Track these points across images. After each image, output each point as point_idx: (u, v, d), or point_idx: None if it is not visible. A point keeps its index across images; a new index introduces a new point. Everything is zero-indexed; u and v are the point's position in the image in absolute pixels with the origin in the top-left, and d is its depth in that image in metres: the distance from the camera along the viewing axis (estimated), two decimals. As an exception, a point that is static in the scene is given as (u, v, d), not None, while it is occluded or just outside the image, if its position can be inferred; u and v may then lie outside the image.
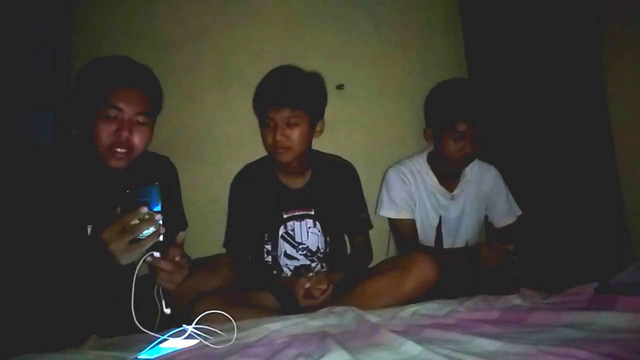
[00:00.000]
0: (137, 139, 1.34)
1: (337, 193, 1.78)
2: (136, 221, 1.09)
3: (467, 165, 1.90)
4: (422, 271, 1.46)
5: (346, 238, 1.89)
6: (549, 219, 1.99)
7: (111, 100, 1.31)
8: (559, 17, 2.07)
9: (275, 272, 1.74)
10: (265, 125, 1.65)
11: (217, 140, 2.05)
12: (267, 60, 1.90)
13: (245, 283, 1.60)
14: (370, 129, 2.19)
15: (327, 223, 1.76)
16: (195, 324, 1.07)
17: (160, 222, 1.10)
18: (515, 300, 1.28)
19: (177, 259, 1.19)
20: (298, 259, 1.74)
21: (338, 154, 1.89)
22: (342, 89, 2.12)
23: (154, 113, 1.41)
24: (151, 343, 1.01)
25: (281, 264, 1.74)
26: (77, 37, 1.94)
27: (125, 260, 1.11)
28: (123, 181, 1.24)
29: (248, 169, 1.82)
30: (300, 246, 1.74)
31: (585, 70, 2.07)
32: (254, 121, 1.79)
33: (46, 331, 1.10)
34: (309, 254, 1.74)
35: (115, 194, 1.13)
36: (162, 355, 0.98)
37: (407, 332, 1.06)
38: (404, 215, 1.88)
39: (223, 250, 1.77)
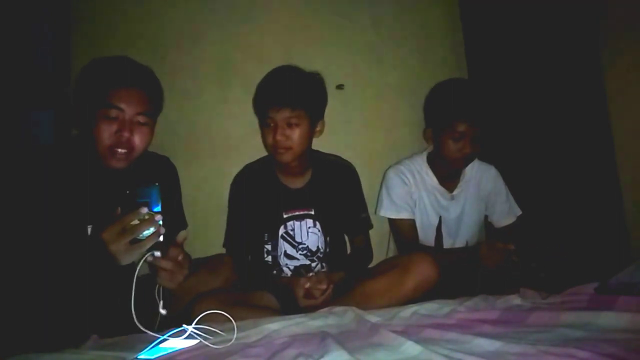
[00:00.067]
0: (137, 139, 1.34)
1: (337, 193, 1.78)
2: (136, 221, 1.09)
3: (466, 165, 1.90)
4: (422, 271, 1.46)
5: (346, 238, 1.89)
6: (549, 219, 1.99)
7: (112, 101, 1.31)
8: (558, 17, 2.07)
9: (275, 272, 1.74)
10: (266, 125, 1.65)
11: (216, 140, 2.05)
12: (267, 60, 1.90)
13: (245, 283, 1.60)
14: (370, 129, 2.19)
15: (327, 223, 1.76)
16: (195, 324, 1.07)
17: (160, 222, 1.10)
18: (515, 300, 1.28)
19: (180, 258, 1.19)
20: (298, 259, 1.74)
21: (338, 154, 1.89)
22: (342, 89, 2.12)
23: (155, 113, 1.41)
24: (151, 343, 1.01)
25: (281, 263, 1.74)
26: (77, 37, 1.94)
27: (125, 260, 1.11)
28: (123, 181, 1.24)
29: (248, 169, 1.82)
30: (300, 246, 1.74)
31: (585, 70, 2.07)
32: (253, 121, 1.79)
33: (46, 331, 1.10)
34: (309, 253, 1.74)
35: (115, 194, 1.13)
36: (162, 355, 0.99)
37: (407, 332, 1.06)
38: (404, 215, 1.88)
39: (223, 250, 1.77)
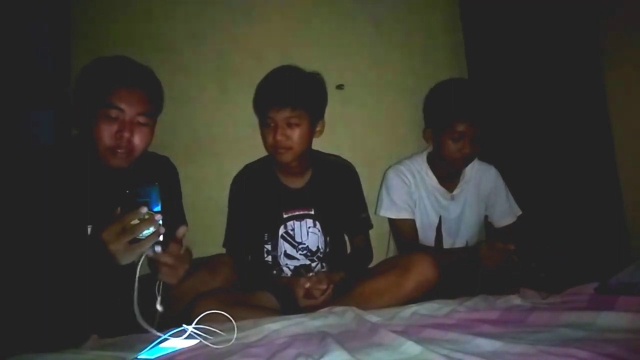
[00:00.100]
0: (137, 140, 1.34)
1: (337, 193, 1.78)
2: (136, 221, 1.09)
3: (466, 165, 1.89)
4: (422, 271, 1.46)
5: (346, 238, 1.89)
6: (549, 219, 1.99)
7: (112, 101, 1.31)
8: (558, 17, 2.07)
9: (275, 272, 1.74)
10: (266, 125, 1.65)
11: (216, 140, 2.05)
12: (267, 60, 1.90)
13: (245, 283, 1.60)
14: (370, 129, 2.19)
15: (327, 223, 1.76)
16: (196, 324, 1.06)
17: (160, 222, 1.10)
18: (515, 300, 1.28)
19: (182, 251, 1.19)
20: (298, 259, 1.74)
21: (338, 154, 1.89)
22: (342, 89, 2.12)
23: (155, 113, 1.41)
24: (151, 343, 1.01)
25: (281, 263, 1.74)
26: (77, 37, 1.94)
27: (125, 260, 1.11)
28: (123, 181, 1.24)
29: (248, 168, 1.82)
30: (300, 246, 1.74)
31: (585, 70, 2.07)
32: (253, 121, 1.79)
33: (46, 331, 1.10)
34: (308, 253, 1.74)
35: (115, 194, 1.13)
36: (162, 355, 0.98)
37: (407, 332, 1.06)
38: (404, 215, 1.88)
39: (223, 250, 1.77)
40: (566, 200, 2.00)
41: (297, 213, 1.75)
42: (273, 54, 2.02)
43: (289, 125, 1.62)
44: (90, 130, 1.32)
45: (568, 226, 1.97)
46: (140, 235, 1.09)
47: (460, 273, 1.64)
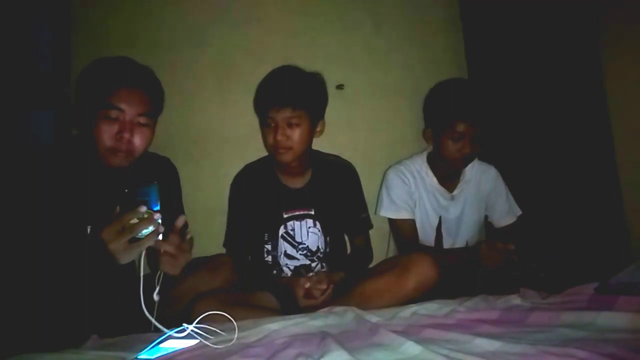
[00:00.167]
0: (138, 140, 1.34)
1: (337, 193, 1.78)
2: (135, 220, 1.09)
3: (466, 165, 1.90)
4: (422, 271, 1.46)
5: (346, 238, 1.89)
6: (549, 219, 1.99)
7: (112, 101, 1.30)
8: (558, 16, 2.07)
9: (275, 272, 1.74)
10: (266, 125, 1.65)
11: (217, 140, 2.05)
12: (267, 60, 1.90)
13: (245, 283, 1.60)
14: (370, 129, 2.19)
15: (327, 223, 1.76)
16: (196, 324, 1.06)
17: (160, 221, 1.10)
18: (515, 300, 1.28)
19: (188, 236, 1.19)
20: (298, 259, 1.74)
21: (338, 154, 1.89)
22: (342, 89, 2.12)
23: (155, 114, 1.41)
24: (151, 343, 1.01)
25: (281, 263, 1.74)
26: (77, 37, 1.94)
27: (124, 259, 1.11)
28: (123, 182, 1.24)
29: (248, 168, 1.82)
30: (300, 246, 1.74)
31: (585, 70, 2.07)
32: (254, 121, 1.78)
33: (46, 331, 1.10)
34: (309, 253, 1.74)
35: (115, 194, 1.13)
36: (162, 355, 0.98)
37: (407, 332, 1.06)
38: (404, 215, 1.88)
39: (223, 250, 1.77)
40: (566, 201, 2.00)
41: (297, 213, 1.75)
42: (273, 54, 2.01)
43: (290, 126, 1.62)
44: (90, 130, 1.32)
45: (568, 226, 1.96)
46: (140, 234, 1.09)
47: (460, 273, 1.64)
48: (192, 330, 1.04)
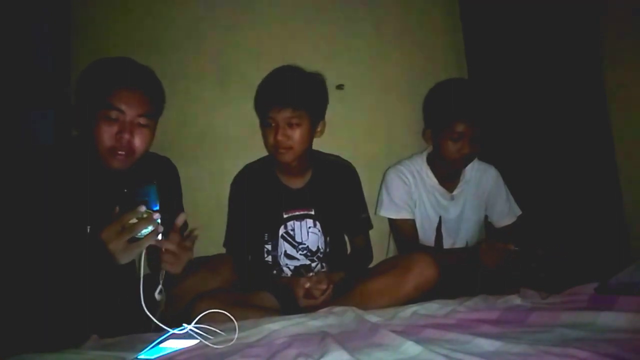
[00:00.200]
0: (138, 141, 1.33)
1: (337, 193, 1.78)
2: (135, 220, 1.09)
3: (466, 165, 1.89)
4: (422, 271, 1.46)
5: (346, 238, 1.89)
6: (549, 219, 1.99)
7: (113, 102, 1.30)
8: (559, 16, 2.07)
9: (275, 272, 1.74)
10: (267, 125, 1.65)
11: (217, 140, 2.05)
12: (267, 60, 1.90)
13: (245, 283, 1.60)
14: (370, 129, 2.19)
15: (327, 223, 1.76)
16: (195, 324, 1.06)
17: (159, 220, 1.10)
18: (515, 300, 1.28)
19: (195, 232, 1.19)
20: (298, 259, 1.74)
21: (338, 154, 1.88)
22: (342, 89, 2.12)
23: (156, 115, 1.41)
24: (151, 343, 1.01)
25: (281, 263, 1.74)
26: (77, 37, 1.94)
27: (124, 259, 1.11)
28: (123, 182, 1.24)
29: (248, 168, 1.82)
30: (300, 246, 1.74)
31: (585, 70, 2.07)
32: (254, 121, 1.78)
33: (46, 331, 1.10)
34: (309, 253, 1.74)
35: (114, 195, 1.13)
36: (162, 355, 0.98)
37: (407, 332, 1.06)
38: (404, 215, 1.88)
39: (223, 250, 1.77)
40: (566, 201, 2.00)
41: (297, 213, 1.75)
42: (273, 54, 2.01)
43: (290, 126, 1.62)
44: (90, 130, 1.32)
45: (568, 226, 1.97)
46: (139, 234, 1.09)
47: (460, 273, 1.64)
48: (192, 330, 1.04)
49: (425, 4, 2.27)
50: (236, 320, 1.10)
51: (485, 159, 1.98)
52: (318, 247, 1.75)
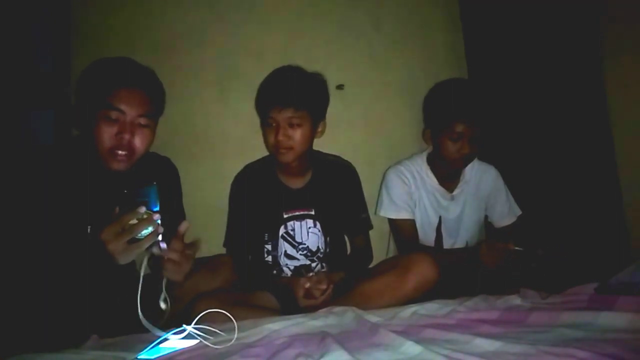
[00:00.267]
0: (138, 142, 1.33)
1: (337, 193, 1.78)
2: (135, 221, 1.09)
3: (466, 165, 1.90)
4: (422, 271, 1.46)
5: (346, 238, 1.89)
6: (549, 219, 1.99)
7: (113, 102, 1.30)
8: (558, 16, 2.07)
9: (275, 272, 1.74)
10: (268, 125, 1.65)
11: (217, 140, 2.05)
12: (267, 60, 1.90)
13: (245, 283, 1.60)
14: (370, 129, 2.19)
15: (327, 223, 1.76)
16: (195, 324, 1.06)
17: (159, 221, 1.10)
18: (515, 300, 1.28)
19: (195, 244, 1.19)
20: (298, 259, 1.74)
21: (338, 154, 1.88)
22: (342, 89, 2.12)
23: (156, 115, 1.40)
24: (151, 343, 1.01)
25: (281, 263, 1.74)
26: (77, 37, 1.94)
27: (124, 260, 1.10)
28: (123, 182, 1.24)
29: (248, 168, 1.82)
30: (301, 246, 1.74)
31: (585, 70, 2.07)
32: (253, 121, 1.78)
33: (46, 331, 1.10)
34: (309, 254, 1.74)
35: (115, 195, 1.13)
36: (162, 355, 0.98)
37: (407, 332, 1.06)
38: (404, 215, 1.88)
39: (223, 250, 1.77)
40: (566, 201, 2.00)
41: (297, 213, 1.75)
42: (273, 54, 2.01)
43: (291, 126, 1.62)
44: (90, 131, 1.32)
45: (568, 226, 1.97)
46: (139, 235, 1.09)
47: (460, 273, 1.64)
48: (191, 331, 1.04)
49: (425, 4, 2.27)
50: (236, 321, 1.10)
51: (485, 159, 1.98)
52: (318, 247, 1.75)
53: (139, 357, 0.97)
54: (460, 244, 1.92)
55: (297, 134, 1.62)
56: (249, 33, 2.08)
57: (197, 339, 1.04)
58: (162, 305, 1.14)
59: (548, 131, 2.07)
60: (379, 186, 1.98)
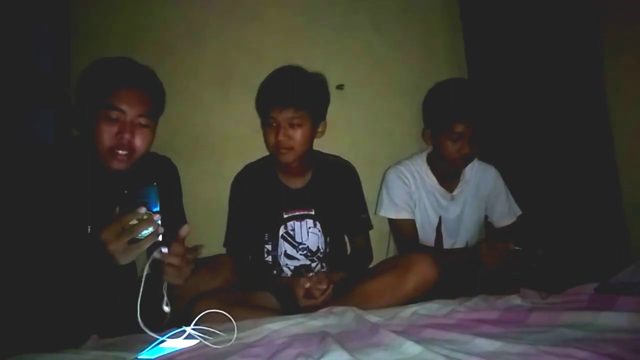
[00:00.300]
0: (138, 141, 1.33)
1: (337, 193, 1.78)
2: (135, 221, 1.09)
3: (466, 165, 1.90)
4: (422, 271, 1.46)
5: (346, 238, 1.89)
6: (549, 219, 1.99)
7: (113, 102, 1.30)
8: (559, 16, 2.07)
9: (275, 272, 1.74)
10: (268, 125, 1.65)
11: (217, 140, 2.05)
12: (267, 60, 1.90)
13: (245, 283, 1.60)
14: (370, 129, 2.19)
15: (327, 223, 1.76)
16: (195, 324, 1.06)
17: (159, 222, 1.10)
18: (515, 300, 1.28)
19: (196, 249, 1.19)
20: (298, 259, 1.74)
21: (338, 154, 1.89)
22: (342, 89, 2.12)
23: (156, 115, 1.40)
24: (151, 343, 1.01)
25: (281, 263, 1.74)
26: (77, 37, 1.94)
27: (124, 260, 1.10)
28: (124, 182, 1.24)
29: (249, 168, 1.82)
30: (301, 246, 1.74)
31: (585, 70, 2.07)
32: (254, 121, 1.78)
33: (46, 331, 1.10)
34: (309, 254, 1.74)
35: (115, 195, 1.13)
36: (162, 355, 0.98)
37: (407, 332, 1.06)
38: (404, 215, 1.88)
39: (223, 250, 1.77)
40: (566, 201, 2.00)
41: (297, 213, 1.75)
42: (273, 54, 2.01)
43: (292, 126, 1.62)
44: (90, 131, 1.32)
45: (568, 226, 1.97)
46: (139, 235, 1.09)
47: (460, 273, 1.64)
48: (191, 331, 1.04)
49: (425, 4, 2.27)
50: (236, 321, 1.10)
51: (485, 159, 1.98)
52: (318, 247, 1.75)
53: (139, 357, 0.97)
54: (460, 244, 1.92)
55: (298, 134, 1.62)
56: (249, 33, 2.08)
57: (197, 339, 1.04)
58: (166, 309, 1.14)
59: (548, 131, 2.07)
60: (379, 186, 1.98)
